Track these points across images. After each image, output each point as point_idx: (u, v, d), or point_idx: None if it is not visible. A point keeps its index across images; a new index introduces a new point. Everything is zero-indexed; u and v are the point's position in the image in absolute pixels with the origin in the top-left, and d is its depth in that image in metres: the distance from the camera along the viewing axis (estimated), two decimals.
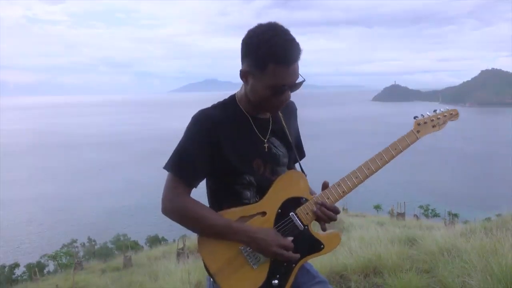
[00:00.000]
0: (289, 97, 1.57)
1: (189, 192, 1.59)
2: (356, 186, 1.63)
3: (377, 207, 35.96)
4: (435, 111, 1.75)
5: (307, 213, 1.60)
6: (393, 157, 1.65)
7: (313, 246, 1.61)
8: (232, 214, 1.56)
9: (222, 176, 1.60)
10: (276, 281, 1.56)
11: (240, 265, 1.54)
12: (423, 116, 1.72)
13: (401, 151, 1.66)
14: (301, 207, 1.60)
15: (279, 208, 1.59)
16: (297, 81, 1.52)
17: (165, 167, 1.59)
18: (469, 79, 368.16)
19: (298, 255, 1.56)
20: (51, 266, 26.57)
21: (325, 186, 1.64)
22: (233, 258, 1.54)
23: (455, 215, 30.64)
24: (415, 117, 1.72)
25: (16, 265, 26.94)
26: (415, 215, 26.47)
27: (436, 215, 34.42)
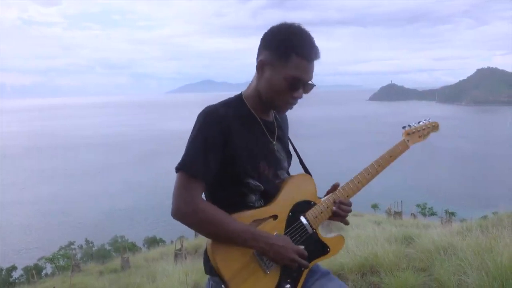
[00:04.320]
0: (302, 95, 1.59)
1: (202, 193, 1.53)
2: (359, 190, 1.75)
3: (374, 206, 35.96)
4: (419, 122, 1.95)
5: (316, 217, 1.64)
6: (389, 162, 1.82)
7: (320, 249, 1.66)
8: (244, 217, 1.53)
9: (229, 177, 1.56)
10: (288, 286, 1.57)
11: (253, 270, 1.52)
12: (410, 126, 1.91)
13: (396, 158, 1.83)
14: (310, 211, 1.64)
15: (290, 212, 1.61)
16: (310, 82, 1.57)
17: (178, 168, 1.50)
18: (465, 77, 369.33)
19: (307, 263, 1.58)
20: (48, 269, 26.43)
21: (335, 187, 1.74)
22: (247, 263, 1.52)
23: (452, 214, 30.72)
24: (403, 127, 1.90)
25: (14, 267, 26.85)
26: (412, 214, 26.57)
27: (433, 214, 34.52)
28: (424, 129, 1.93)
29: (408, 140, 1.86)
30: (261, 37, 1.58)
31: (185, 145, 1.53)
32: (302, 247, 1.58)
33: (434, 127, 1.97)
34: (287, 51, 1.50)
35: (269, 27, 1.58)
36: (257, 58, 1.58)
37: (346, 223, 1.73)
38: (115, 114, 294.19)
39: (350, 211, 1.69)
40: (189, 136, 1.54)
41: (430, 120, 1.97)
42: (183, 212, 1.47)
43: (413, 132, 1.89)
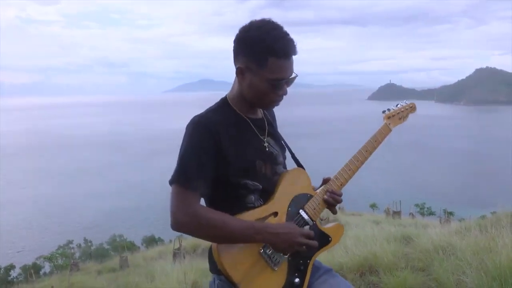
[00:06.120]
0: (286, 91, 1.60)
1: (200, 201, 1.52)
2: (350, 177, 1.77)
3: (373, 206, 35.99)
4: (397, 105, 2.00)
5: (314, 209, 1.66)
6: (375, 147, 1.84)
7: (322, 240, 1.68)
8: (246, 218, 1.52)
9: (225, 181, 1.55)
10: (297, 279, 1.59)
11: (261, 269, 1.52)
12: (390, 110, 1.95)
13: (380, 142, 1.86)
14: (308, 204, 1.66)
15: (289, 207, 1.62)
16: (292, 76, 1.57)
17: (171, 181, 1.49)
18: (464, 77, 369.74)
19: (316, 242, 1.60)
20: (47, 268, 26.39)
21: (326, 180, 1.75)
22: (254, 263, 1.51)
23: (451, 213, 30.69)
24: (383, 111, 1.94)
25: (12, 266, 26.76)
26: (411, 214, 26.57)
27: (431, 213, 34.50)
28: (403, 111, 1.97)
29: (389, 124, 1.90)
30: (234, 38, 1.56)
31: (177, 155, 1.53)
32: (307, 227, 1.61)
33: (412, 108, 2.03)
34: (263, 54, 1.49)
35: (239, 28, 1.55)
36: (234, 62, 1.57)
37: (334, 212, 1.78)
38: (113, 113, 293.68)
39: (341, 201, 1.72)
40: (179, 147, 1.53)
41: (407, 102, 2.03)
42: (183, 221, 1.45)
43: (393, 115, 1.93)
